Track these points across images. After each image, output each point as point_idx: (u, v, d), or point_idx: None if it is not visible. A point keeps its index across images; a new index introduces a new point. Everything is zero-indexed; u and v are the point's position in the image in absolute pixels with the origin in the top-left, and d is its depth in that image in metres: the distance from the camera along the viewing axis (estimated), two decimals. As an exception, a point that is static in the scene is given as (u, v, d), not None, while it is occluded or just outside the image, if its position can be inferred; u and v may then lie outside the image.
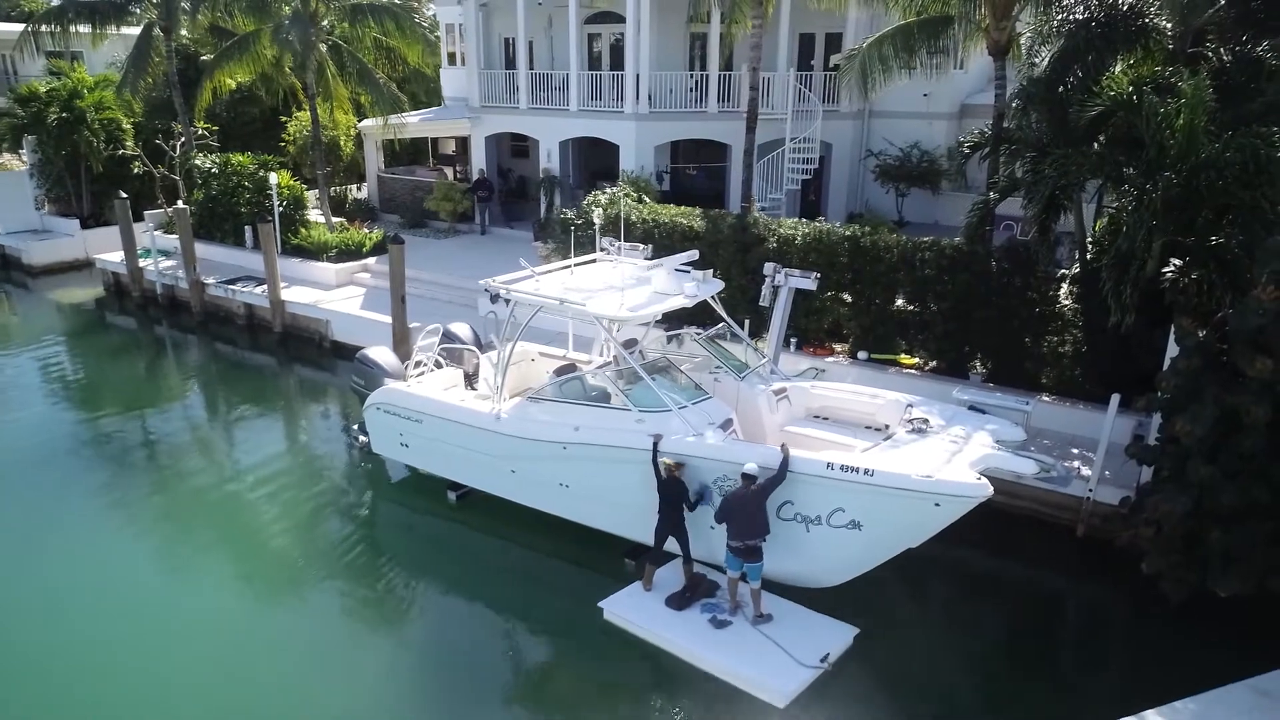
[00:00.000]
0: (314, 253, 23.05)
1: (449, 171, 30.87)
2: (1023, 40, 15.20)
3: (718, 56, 23.01)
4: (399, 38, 22.96)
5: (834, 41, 25.12)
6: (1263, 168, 10.44)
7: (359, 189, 30.41)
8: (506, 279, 12.40)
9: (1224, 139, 10.83)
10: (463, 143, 32.07)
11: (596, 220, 14.88)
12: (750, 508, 9.78)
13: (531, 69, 25.85)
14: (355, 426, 15.11)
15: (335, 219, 24.91)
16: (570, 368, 13.00)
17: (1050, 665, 10.59)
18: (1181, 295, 11.60)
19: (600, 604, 10.79)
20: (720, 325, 13.14)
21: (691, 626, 10.31)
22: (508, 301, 12.34)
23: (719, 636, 10.13)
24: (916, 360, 15.26)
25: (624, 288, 11.74)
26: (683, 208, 17.58)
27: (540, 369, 14.51)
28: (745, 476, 9.84)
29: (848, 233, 15.16)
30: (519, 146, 29.47)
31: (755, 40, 18.09)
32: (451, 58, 28.20)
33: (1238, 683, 9.29)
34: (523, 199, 29.00)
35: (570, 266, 13.03)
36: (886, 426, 11.88)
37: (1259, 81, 12.28)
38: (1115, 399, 11.97)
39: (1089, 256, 14.18)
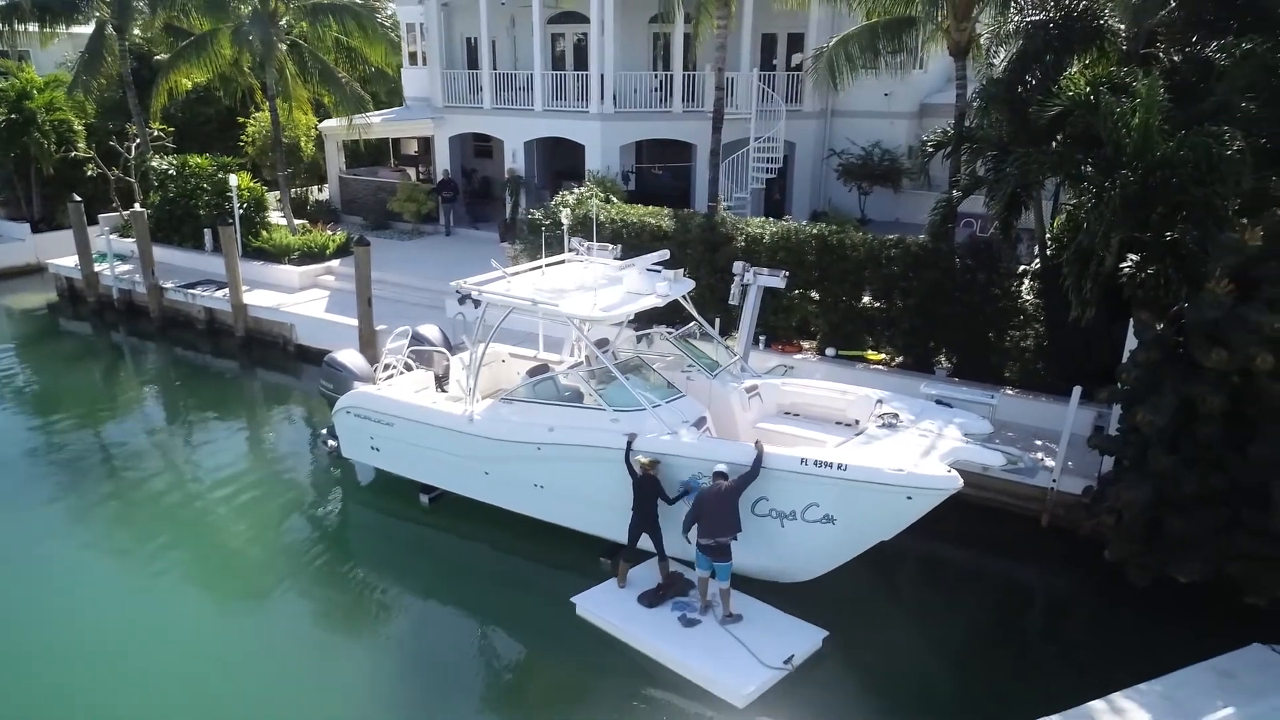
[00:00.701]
0: (276, 255, 22.72)
1: (412, 172, 30.60)
2: (983, 40, 15.49)
3: (682, 56, 23.11)
4: (361, 37, 22.71)
5: (796, 41, 25.38)
6: (1214, 166, 10.77)
7: (320, 190, 30.02)
8: (478, 280, 12.36)
9: (1177, 138, 11.14)
10: (425, 143, 31.81)
11: (565, 221, 14.89)
12: (723, 505, 9.85)
13: (495, 69, 25.75)
14: (324, 431, 14.95)
15: (297, 221, 24.57)
16: (543, 368, 12.99)
17: (1019, 653, 10.83)
18: (1139, 289, 11.94)
19: (573, 599, 10.84)
20: (691, 324, 13.23)
21: (660, 624, 10.38)
22: (478, 303, 12.30)
23: (686, 635, 10.19)
24: (883, 356, 15.48)
25: (596, 288, 11.76)
26: (650, 207, 17.64)
27: (512, 370, 14.49)
28: (717, 474, 9.90)
29: (814, 231, 15.33)
30: (482, 146, 29.34)
31: (720, 40, 18.21)
32: (413, 57, 27.94)
33: (1200, 664, 9.61)
34: (487, 199, 28.88)
35: (541, 267, 13.02)
36: (856, 422, 12.07)
37: (1208, 81, 12.66)
38: (1077, 391, 12.27)
39: (1049, 252, 14.53)
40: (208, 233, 23.70)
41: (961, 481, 9.66)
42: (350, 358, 14.51)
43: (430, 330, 15.26)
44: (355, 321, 18.98)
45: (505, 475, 12.19)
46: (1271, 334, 9.99)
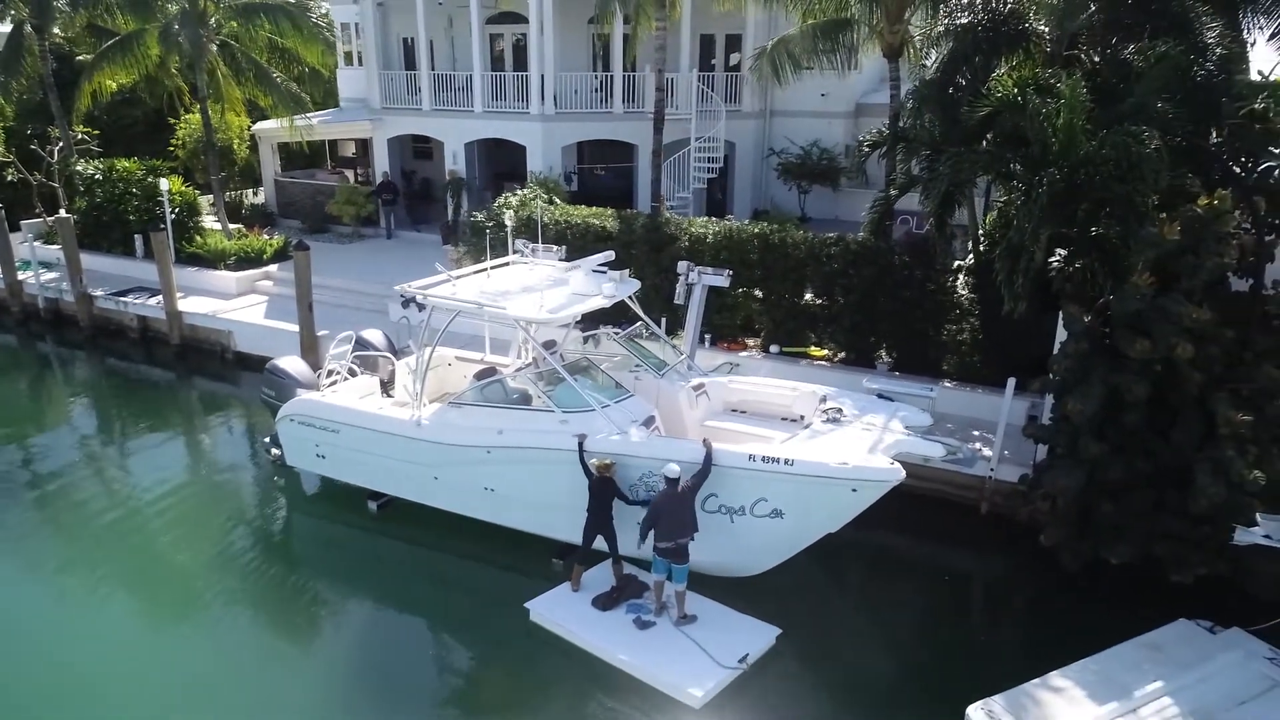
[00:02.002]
0: (211, 261, 22.19)
1: (350, 175, 30.14)
2: (916, 42, 15.91)
3: (621, 57, 23.20)
4: (296, 37, 22.26)
5: (734, 42, 25.68)
6: (1134, 164, 11.24)
7: (256, 194, 29.37)
8: (423, 283, 12.28)
9: (1099, 137, 11.60)
10: (363, 145, 31.39)
11: (508, 223, 14.87)
12: (682, 507, 9.94)
13: (434, 69, 25.52)
14: (267, 439, 14.69)
15: (232, 225, 24.02)
16: (490, 371, 12.97)
17: (964, 638, 11.21)
18: (1067, 284, 12.40)
19: (526, 605, 10.84)
20: (638, 324, 13.34)
21: (615, 627, 10.40)
22: (422, 307, 12.22)
23: (641, 637, 10.23)
24: (825, 352, 15.81)
25: (542, 289, 11.80)
26: (594, 208, 17.71)
27: (458, 373, 14.44)
28: (668, 480, 9.97)
29: (756, 230, 15.57)
30: (422, 148, 29.02)
31: (660, 41, 18.37)
32: (349, 57, 27.54)
33: (1130, 640, 10.05)
34: (427, 201, 28.57)
35: (486, 269, 13.00)
36: (802, 417, 12.31)
37: (1127, 83, 13.20)
38: (1011, 382, 12.70)
39: (981, 248, 14.99)
40: (138, 239, 23.01)
41: (904, 473, 9.95)
42: (292, 364, 14.29)
43: (374, 335, 15.11)
44: (296, 327, 18.68)
45: (454, 479, 12.13)
46: (1190, 324, 10.51)
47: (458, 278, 12.56)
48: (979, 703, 9.05)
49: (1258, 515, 9.38)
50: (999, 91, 12.25)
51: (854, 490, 10.00)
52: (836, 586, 12.08)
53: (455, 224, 24.91)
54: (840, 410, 11.28)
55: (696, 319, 14.19)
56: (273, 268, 22.54)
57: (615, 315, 14.58)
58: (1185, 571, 10.92)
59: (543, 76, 22.78)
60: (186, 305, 20.73)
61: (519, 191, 19.59)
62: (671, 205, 21.76)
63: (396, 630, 11.29)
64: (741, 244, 15.44)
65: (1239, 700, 9.07)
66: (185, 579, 12.09)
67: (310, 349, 18.33)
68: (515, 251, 14.00)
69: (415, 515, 12.94)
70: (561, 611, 10.75)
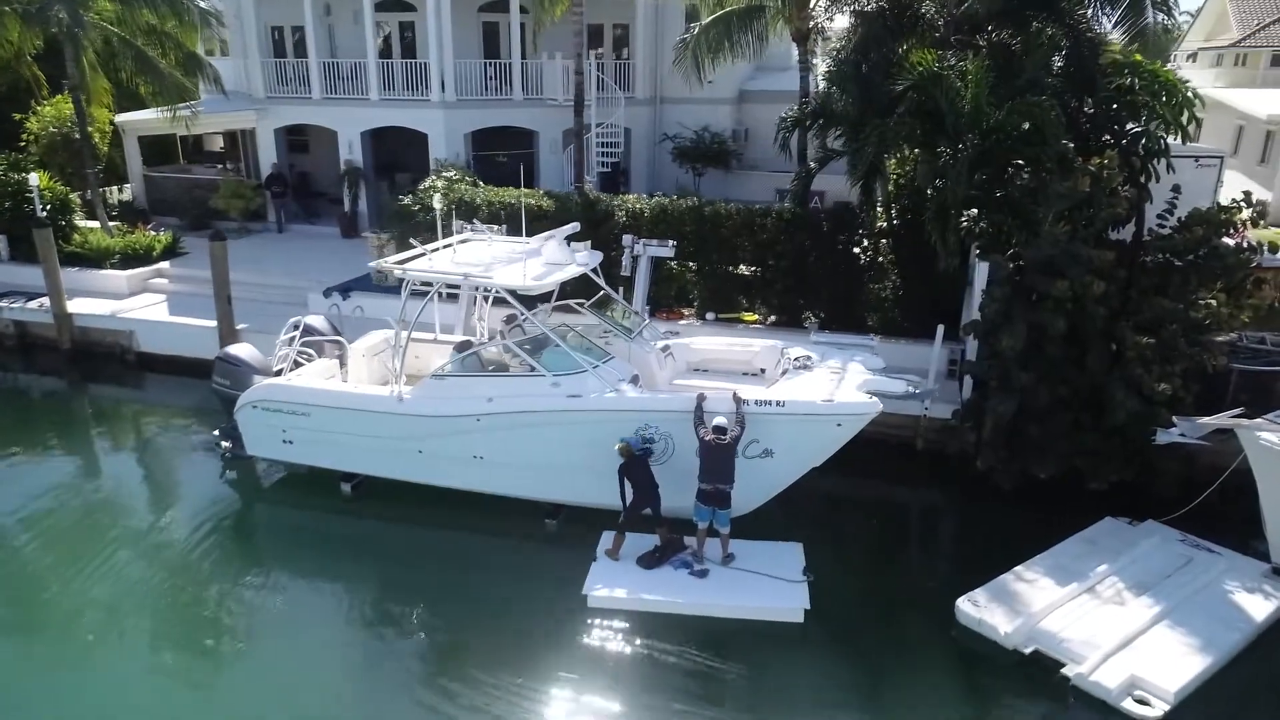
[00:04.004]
0: (95, 260, 20.78)
1: (222, 168, 28.74)
2: (825, 27, 17.25)
3: (519, 45, 23.49)
4: (175, 22, 21.08)
5: (622, 31, 26.49)
6: (1040, 129, 12.92)
7: (121, 190, 27.48)
8: (399, 258, 12.37)
9: (1007, 106, 13.20)
10: (231, 138, 29.99)
11: (437, 205, 14.91)
12: (724, 456, 10.56)
13: (297, 57, 24.91)
14: (215, 433, 14.21)
15: (111, 222, 22.52)
16: (466, 344, 13.16)
17: (930, 552, 12.57)
18: (982, 238, 14.01)
19: (584, 592, 10.71)
20: (601, 293, 13.90)
21: (682, 584, 10.75)
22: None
23: (709, 584, 10.73)
24: (756, 316, 16.90)
25: (523, 260, 12.17)
26: (526, 189, 18.02)
27: (411, 353, 14.47)
28: (716, 429, 10.58)
29: (690, 204, 16.45)
30: (296, 141, 28.03)
31: (577, 28, 18.91)
32: (219, 47, 26.30)
33: (1069, 539, 11.67)
34: (307, 195, 27.64)
35: (453, 245, 13.20)
36: (762, 371, 13.30)
37: (1012, 62, 14.97)
38: (940, 329, 14.15)
39: (893, 213, 16.51)
40: (3, 238, 21.20)
41: (881, 406, 11.10)
42: (245, 351, 13.94)
43: (317, 320, 14.90)
44: (207, 323, 18.00)
45: (440, 451, 12.30)
46: (1099, 265, 12.26)
47: (431, 252, 12.70)
48: (965, 596, 10.35)
49: (1173, 418, 11.11)
50: (920, 66, 13.64)
51: (839, 424, 11.06)
52: (806, 525, 12.94)
53: (355, 215, 24.44)
54: (809, 357, 12.30)
55: (644, 288, 14.93)
56: (164, 264, 21.38)
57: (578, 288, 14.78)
58: (1100, 478, 12.69)
59: (442, 64, 22.72)
60: (74, 307, 19.38)
61: (442, 177, 19.44)
62: (576, 189, 22.29)
63: (420, 616, 10.92)
64: (678, 217, 16.26)
65: (1165, 574, 10.81)
66: (136, 603, 10.96)
67: (230, 343, 17.68)
68: (457, 232, 14.20)
69: (392, 493, 12.96)
70: (618, 587, 10.71)
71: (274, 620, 10.94)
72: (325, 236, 24.63)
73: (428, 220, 16.26)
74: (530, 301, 12.79)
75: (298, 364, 13.77)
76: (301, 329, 14.26)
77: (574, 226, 13.29)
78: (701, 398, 11.06)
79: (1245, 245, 13.38)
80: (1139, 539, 11.57)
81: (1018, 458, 13.00)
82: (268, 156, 25.34)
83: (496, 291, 12.53)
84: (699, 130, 25.69)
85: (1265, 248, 14.49)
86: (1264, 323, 14.21)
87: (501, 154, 24.77)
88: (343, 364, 14.21)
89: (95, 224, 22.23)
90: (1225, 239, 13.45)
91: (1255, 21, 36.87)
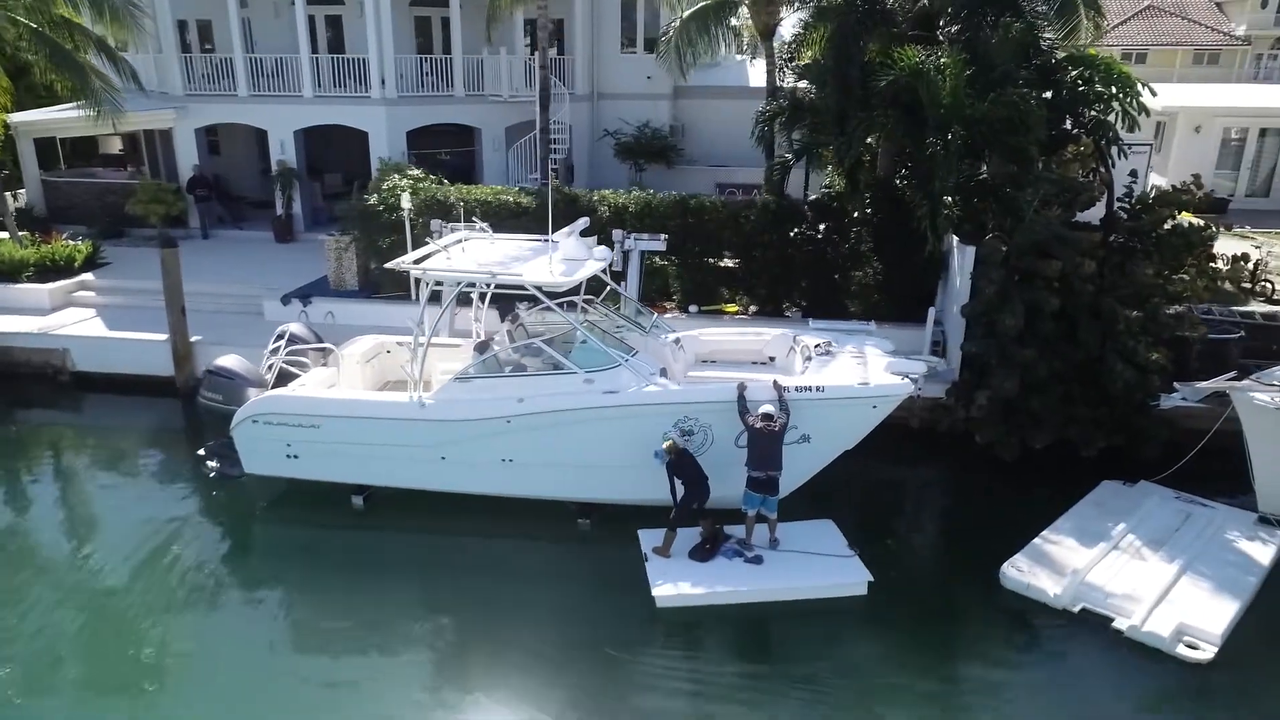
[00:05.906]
0: (9, 273, 19.03)
1: (134, 171, 26.81)
2: (789, 23, 17.62)
3: (460, 39, 22.93)
4: (96, 15, 19.44)
5: (557, 27, 26.19)
6: (1023, 119, 13.65)
7: (14, 197, 25.15)
8: (413, 256, 11.94)
9: (989, 98, 13.86)
10: (132, 139, 27.96)
11: (406, 205, 14.40)
12: (772, 443, 10.65)
13: (203, 52, 23.57)
14: (201, 452, 13.29)
15: (21, 232, 20.64)
16: (485, 345, 12.79)
17: (939, 531, 13.09)
18: (966, 224, 14.67)
19: (654, 594, 10.50)
20: (609, 289, 13.79)
21: (742, 572, 10.82)
22: (418, 281, 11.90)
23: (766, 569, 10.85)
24: (737, 308, 17.13)
25: (548, 256, 11.96)
26: (500, 186, 17.68)
27: (397, 360, 14.00)
28: (764, 416, 10.68)
29: (675, 199, 16.52)
30: (210, 141, 26.47)
31: (544, 22, 18.64)
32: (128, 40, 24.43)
33: (1079, 502, 12.38)
34: (226, 199, 26.13)
35: (462, 243, 12.81)
36: (772, 359, 13.53)
37: (976, 55, 15.73)
38: (931, 311, 14.76)
39: (866, 200, 17.02)
40: (-106, 255, 19.12)
41: (912, 386, 11.48)
42: (236, 363, 13.09)
43: (298, 328, 14.19)
44: (156, 336, 16.86)
45: (466, 456, 11.92)
46: (1088, 246, 13.08)
47: (443, 250, 12.30)
48: (1008, 561, 10.87)
49: (1174, 383, 11.98)
50: (903, 61, 14.14)
51: (874, 406, 11.39)
52: (821, 506, 13.05)
53: (290, 218, 23.26)
54: (831, 343, 12.58)
55: (637, 283, 14.90)
56: (88, 276, 19.80)
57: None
58: (1091, 446, 13.54)
59: (382, 60, 21.94)
60: (-4, 325, 17.71)
61: (406, 175, 18.71)
62: (522, 187, 21.94)
63: (472, 630, 10.47)
64: (663, 212, 16.29)
65: (1173, 529, 11.66)
66: (146, 651, 10.05)
67: (185, 358, 16.64)
68: (434, 231, 13.81)
69: (406, 504, 12.51)
70: (683, 583, 10.62)
71: (314, 649, 10.40)
72: (257, 241, 23.35)
73: (393, 221, 15.75)
74: (536, 300, 12.56)
75: (285, 375, 13.08)
76: (287, 338, 13.56)
77: (584, 222, 13.13)
78: (743, 386, 11.16)
79: (1202, 224, 14.57)
80: (1140, 499, 12.41)
81: (1015, 430, 13.72)
82: (187, 158, 23.78)
83: (517, 289, 12.21)
84: (640, 126, 25.75)
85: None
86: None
87: (444, 151, 24.15)
88: (338, 371, 13.56)
89: (4, 234, 20.32)
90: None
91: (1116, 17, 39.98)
